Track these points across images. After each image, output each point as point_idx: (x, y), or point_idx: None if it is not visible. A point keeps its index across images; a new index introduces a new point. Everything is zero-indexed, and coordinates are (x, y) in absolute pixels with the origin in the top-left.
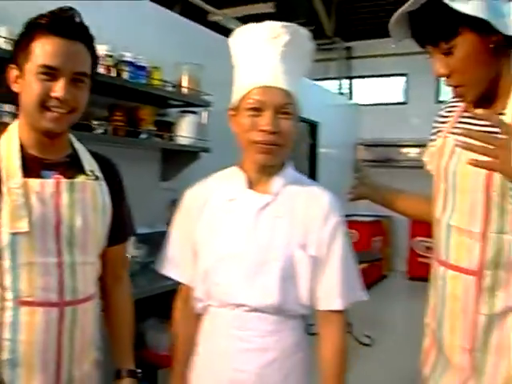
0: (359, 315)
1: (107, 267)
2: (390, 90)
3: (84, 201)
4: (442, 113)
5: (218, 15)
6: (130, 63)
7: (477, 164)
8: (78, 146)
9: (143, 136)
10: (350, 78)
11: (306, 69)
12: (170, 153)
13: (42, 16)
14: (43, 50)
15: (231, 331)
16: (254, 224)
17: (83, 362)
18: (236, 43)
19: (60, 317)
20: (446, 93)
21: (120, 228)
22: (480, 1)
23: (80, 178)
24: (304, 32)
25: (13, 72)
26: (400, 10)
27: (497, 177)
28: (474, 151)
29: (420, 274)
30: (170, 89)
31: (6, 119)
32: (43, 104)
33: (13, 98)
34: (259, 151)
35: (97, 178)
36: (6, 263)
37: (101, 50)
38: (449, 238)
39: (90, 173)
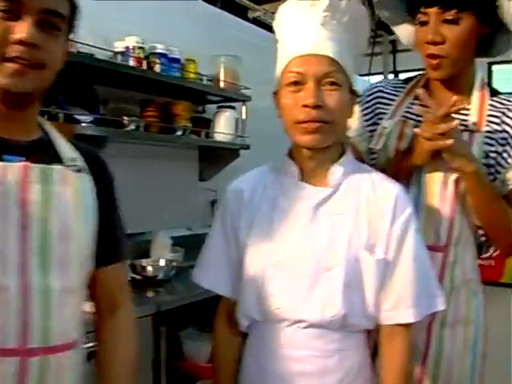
0: None
1: (99, 298)
2: None
3: (63, 197)
4: (383, 94)
5: (258, 11)
6: (163, 55)
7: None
8: (50, 129)
9: (179, 133)
10: (396, 72)
11: (362, 37)
12: (208, 151)
13: None
14: None
15: (286, 351)
16: (310, 223)
17: None
18: (277, 20)
19: (20, 373)
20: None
21: (112, 242)
22: None
23: (57, 166)
24: None
25: None
26: None
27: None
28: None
29: None
30: (206, 82)
31: None
32: (2, 52)
33: None
34: (304, 131)
35: (80, 170)
36: None
37: (131, 41)
38: None
39: (69, 162)
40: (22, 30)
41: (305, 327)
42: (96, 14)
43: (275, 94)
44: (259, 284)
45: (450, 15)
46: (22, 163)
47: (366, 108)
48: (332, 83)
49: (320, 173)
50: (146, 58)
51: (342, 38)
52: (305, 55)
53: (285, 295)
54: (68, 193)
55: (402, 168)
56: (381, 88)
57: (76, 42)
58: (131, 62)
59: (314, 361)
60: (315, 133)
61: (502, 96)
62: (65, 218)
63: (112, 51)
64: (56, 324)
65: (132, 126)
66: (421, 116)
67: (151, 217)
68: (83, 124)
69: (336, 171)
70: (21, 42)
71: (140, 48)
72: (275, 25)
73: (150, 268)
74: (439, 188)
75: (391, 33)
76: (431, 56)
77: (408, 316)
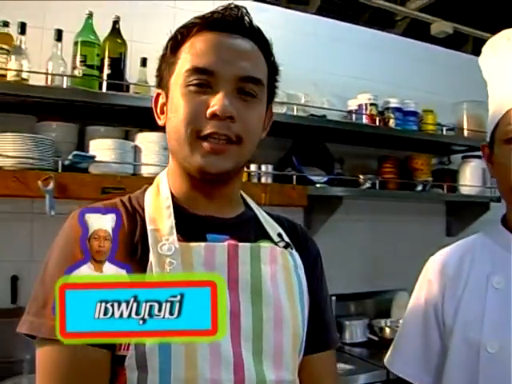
0: None
1: None
2: None
3: (274, 278)
4: None
5: None
6: (397, 109)
7: None
8: (253, 204)
9: (419, 188)
10: None
11: None
12: (455, 204)
13: (195, 18)
14: (192, 50)
15: None
16: None
17: None
18: (482, 57)
19: None
20: None
21: (321, 326)
22: None
23: (265, 243)
24: None
25: (159, 99)
26: None
27: None
28: None
29: None
30: (447, 133)
31: None
32: (196, 129)
33: None
34: None
35: (287, 246)
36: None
37: (364, 98)
38: None
39: (277, 237)
40: (216, 101)
41: None
42: (331, 75)
43: (484, 146)
44: (468, 377)
45: None
46: (229, 242)
47: None
48: None
49: None
50: (381, 113)
51: None
52: None
53: None
54: (278, 273)
55: None
56: None
57: (308, 106)
58: (364, 120)
59: None
60: None
61: None
62: (278, 302)
63: (344, 111)
64: None
65: (368, 184)
66: None
67: (394, 275)
68: (317, 185)
69: None
70: (216, 117)
71: (372, 104)
72: (481, 61)
73: (387, 330)
74: None
75: None
76: None
77: None
